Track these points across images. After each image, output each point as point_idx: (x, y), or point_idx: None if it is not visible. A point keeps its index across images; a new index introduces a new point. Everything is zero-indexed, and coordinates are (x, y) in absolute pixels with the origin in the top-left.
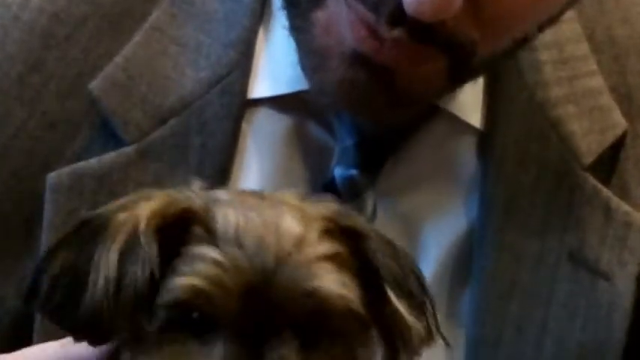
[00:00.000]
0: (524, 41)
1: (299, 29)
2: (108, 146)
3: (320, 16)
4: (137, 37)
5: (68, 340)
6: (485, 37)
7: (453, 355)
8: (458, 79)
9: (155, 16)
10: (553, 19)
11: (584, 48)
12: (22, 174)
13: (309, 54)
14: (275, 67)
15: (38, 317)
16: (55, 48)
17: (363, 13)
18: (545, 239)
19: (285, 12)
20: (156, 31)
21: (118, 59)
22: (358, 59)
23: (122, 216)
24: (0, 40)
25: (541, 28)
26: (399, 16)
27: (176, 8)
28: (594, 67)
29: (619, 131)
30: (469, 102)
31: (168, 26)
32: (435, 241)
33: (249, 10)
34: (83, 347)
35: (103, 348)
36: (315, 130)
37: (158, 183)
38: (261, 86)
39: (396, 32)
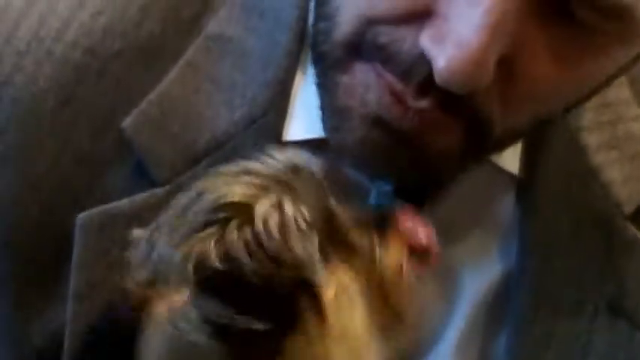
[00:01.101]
0: (547, 120)
1: (323, 87)
2: (139, 185)
3: (345, 79)
4: (171, 74)
5: None
6: (508, 113)
7: None
8: (472, 154)
9: (190, 52)
10: (580, 101)
11: (626, 92)
12: (53, 211)
13: (331, 113)
14: (311, 110)
15: (67, 354)
16: (87, 83)
17: (391, 81)
18: (583, 288)
19: (313, 67)
20: (190, 68)
21: (152, 96)
22: (379, 123)
23: None
24: (33, 75)
25: (568, 109)
26: (428, 86)
27: (212, 45)
28: (638, 111)
29: None
30: (508, 149)
31: (203, 63)
32: (472, 287)
33: (287, 50)
34: None
35: None
36: (351, 173)
37: None
38: (297, 128)
39: (424, 102)
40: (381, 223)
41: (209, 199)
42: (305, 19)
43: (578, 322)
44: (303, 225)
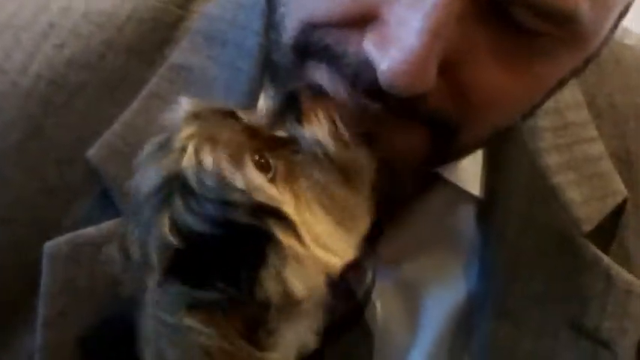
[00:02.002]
0: (506, 129)
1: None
2: (106, 214)
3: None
4: (135, 104)
5: None
6: (468, 119)
7: None
8: (440, 156)
9: (154, 82)
10: (536, 106)
11: (584, 115)
12: (21, 243)
13: None
14: None
15: None
16: (53, 114)
17: (343, 85)
18: (546, 307)
19: (271, 84)
20: (154, 98)
21: (116, 126)
22: None
23: None
24: None
25: (525, 116)
26: (376, 91)
27: (175, 75)
28: (595, 133)
29: (619, 199)
30: (469, 170)
31: (167, 93)
32: (436, 308)
33: (249, 77)
34: None
35: None
36: None
37: None
38: None
39: (376, 106)
40: (292, 108)
41: (150, 180)
42: (267, 47)
43: (541, 341)
44: (229, 159)
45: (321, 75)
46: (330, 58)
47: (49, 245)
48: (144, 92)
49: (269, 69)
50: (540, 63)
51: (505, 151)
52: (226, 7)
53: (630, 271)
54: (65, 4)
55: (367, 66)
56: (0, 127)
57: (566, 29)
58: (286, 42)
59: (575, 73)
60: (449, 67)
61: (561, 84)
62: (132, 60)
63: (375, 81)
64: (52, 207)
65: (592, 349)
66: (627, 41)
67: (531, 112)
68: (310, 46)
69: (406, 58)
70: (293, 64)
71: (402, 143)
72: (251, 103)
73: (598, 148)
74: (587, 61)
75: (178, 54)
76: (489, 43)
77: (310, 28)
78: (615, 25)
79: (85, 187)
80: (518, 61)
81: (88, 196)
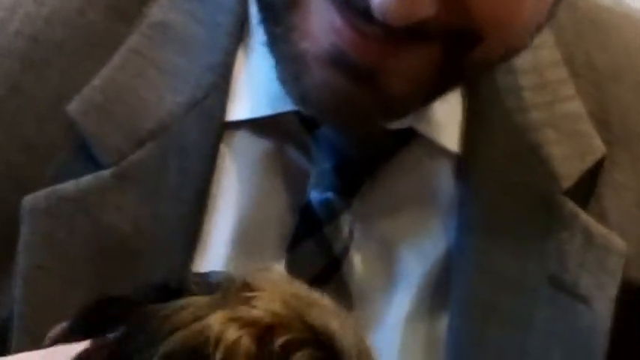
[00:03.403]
0: (517, 49)
1: (277, 39)
2: (86, 169)
3: (296, 17)
4: (115, 60)
5: (49, 352)
6: (481, 36)
7: None
8: (450, 76)
9: (133, 39)
10: (540, 28)
11: (563, 72)
12: (1, 198)
13: (289, 63)
14: (254, 90)
15: (15, 334)
16: (33, 71)
17: (339, 4)
18: (524, 263)
19: (262, 24)
20: (134, 54)
21: (96, 82)
22: (338, 59)
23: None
24: None
25: (532, 33)
26: (371, 16)
27: (154, 31)
28: (573, 91)
29: (598, 156)
30: (446, 126)
31: (146, 49)
32: (414, 265)
33: (228, 33)
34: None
35: None
36: (292, 153)
37: (136, 205)
38: (240, 108)
39: (375, 28)
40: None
41: None
42: (245, 6)
43: (519, 297)
44: None
45: (316, 4)
46: None
47: (27, 199)
48: (123, 49)
49: (262, 11)
50: None
51: (484, 108)
52: None
53: (607, 228)
54: None
55: None
56: None
57: None
58: None
59: None
60: None
61: (556, 4)
62: (111, 17)
63: (369, 8)
64: (32, 162)
65: (570, 304)
66: (604, 1)
67: (537, 31)
68: None
69: None
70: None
71: (409, 67)
72: (229, 58)
73: (577, 106)
74: None
75: (157, 11)
76: None
77: None
78: None
79: (64, 142)
80: None
81: (67, 152)
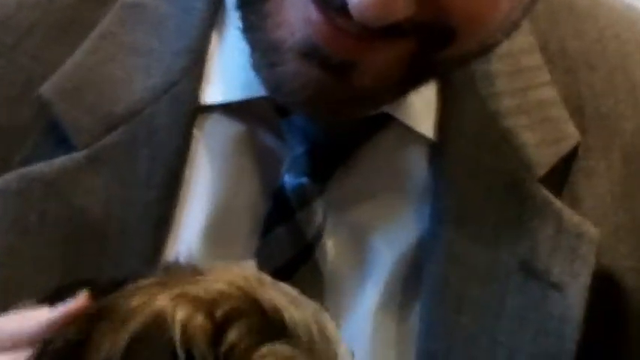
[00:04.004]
0: (491, 47)
1: (252, 26)
2: (57, 151)
3: (272, 5)
4: (87, 43)
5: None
6: (457, 33)
7: None
8: (424, 70)
9: (105, 22)
10: (515, 25)
11: (537, 59)
12: None
13: (263, 51)
14: (227, 74)
15: None
16: (3, 55)
17: (316, 5)
18: (496, 250)
19: (238, 11)
20: (106, 37)
21: (68, 65)
22: (312, 51)
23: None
24: None
25: (508, 31)
26: (348, 13)
27: (127, 13)
28: (547, 78)
29: (571, 143)
30: (420, 111)
31: (118, 32)
32: (386, 252)
33: (202, 16)
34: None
35: None
36: (265, 137)
37: (107, 189)
38: (213, 92)
39: (351, 24)
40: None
41: None
42: None
43: (491, 284)
44: None
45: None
46: None
47: (0, 180)
48: (95, 32)
49: (240, 1)
50: None
51: (458, 94)
52: None
53: (581, 215)
54: None
55: None
56: None
57: None
58: None
59: None
60: None
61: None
62: (83, 1)
63: (345, 5)
64: (3, 145)
65: (542, 291)
66: None
67: (513, 27)
68: None
69: None
70: None
71: (383, 61)
72: (203, 42)
73: (551, 92)
74: None
75: None
76: None
77: None
78: None
79: (36, 124)
80: None
81: (39, 134)
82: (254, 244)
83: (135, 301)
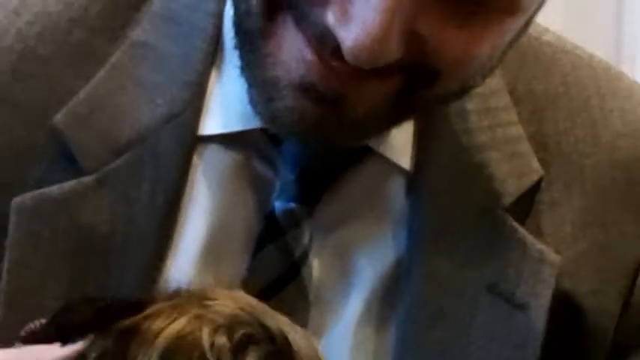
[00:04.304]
0: (470, 88)
1: (251, 64)
2: (67, 174)
3: (270, 46)
4: (99, 76)
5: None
6: (441, 74)
7: None
8: (408, 106)
9: (116, 57)
10: (493, 68)
11: (505, 99)
12: None
13: (261, 87)
14: (224, 107)
15: None
16: (22, 83)
17: (310, 39)
18: (466, 272)
19: (238, 50)
20: (116, 71)
21: (81, 95)
22: (307, 88)
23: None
24: None
25: (485, 74)
26: (341, 54)
27: (135, 50)
28: (515, 117)
29: (535, 177)
30: (399, 145)
31: (127, 66)
32: (367, 271)
33: (203, 53)
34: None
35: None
36: (259, 165)
37: (113, 208)
38: (212, 124)
39: (344, 64)
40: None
41: None
42: (220, 27)
43: (462, 302)
44: None
45: (289, 36)
46: (297, 15)
47: (16, 200)
48: (107, 66)
49: (238, 38)
50: (492, 29)
51: (434, 130)
52: None
53: (543, 242)
54: None
55: (329, 32)
56: None
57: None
58: (254, 5)
59: (517, 38)
60: (415, 36)
61: (507, 49)
62: (96, 37)
63: (338, 47)
64: (18, 167)
65: (508, 310)
66: (545, 38)
67: (490, 71)
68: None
69: (367, 34)
70: (263, 28)
71: (372, 97)
72: (203, 78)
73: (517, 130)
74: (523, 31)
75: (139, 33)
76: (445, 14)
77: None
78: (536, 12)
79: (50, 149)
80: (472, 26)
81: (51, 158)
82: (246, 261)
83: (158, 323)
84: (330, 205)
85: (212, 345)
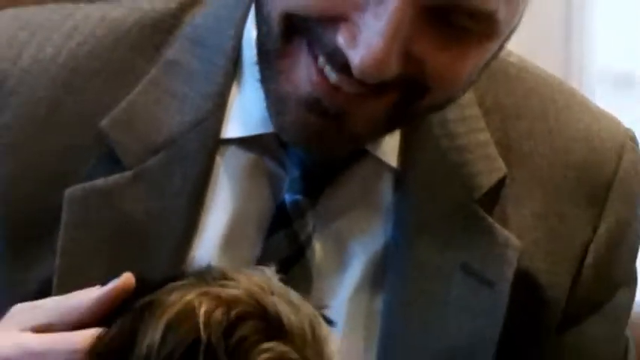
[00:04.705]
0: (453, 100)
1: (267, 79)
2: (111, 170)
3: (284, 64)
4: (138, 88)
5: None
6: (431, 89)
7: (371, 344)
8: (400, 118)
9: (152, 73)
10: (472, 83)
11: (476, 110)
12: (48, 188)
13: (274, 100)
14: (243, 115)
15: (54, 292)
16: (73, 94)
17: (321, 57)
18: (443, 255)
19: (257, 66)
20: (152, 85)
21: (123, 104)
22: (312, 103)
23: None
24: (33, 86)
25: (465, 89)
26: (349, 71)
27: (168, 67)
28: (483, 125)
29: (501, 175)
30: (389, 147)
31: (161, 81)
32: (360, 254)
33: (224, 70)
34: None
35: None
36: (270, 164)
37: (148, 199)
38: (232, 129)
39: (348, 82)
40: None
41: None
42: (239, 49)
43: (440, 280)
44: None
45: (302, 57)
46: (311, 38)
47: (69, 191)
48: (144, 80)
49: (259, 56)
50: (472, 51)
51: (417, 135)
52: (208, 19)
53: (508, 229)
54: (86, 12)
55: (340, 52)
56: (34, 101)
57: (488, 25)
58: (275, 27)
59: (492, 59)
60: (410, 57)
61: (484, 68)
62: (136, 56)
63: (347, 64)
64: (71, 164)
65: (478, 287)
66: (510, 59)
67: (469, 86)
68: (296, 22)
69: (372, 55)
70: (280, 49)
71: (371, 111)
72: (225, 90)
73: (485, 136)
74: (497, 52)
75: (172, 53)
76: (436, 38)
77: (292, 15)
78: (508, 37)
79: (96, 148)
80: (459, 50)
81: (98, 156)
82: (260, 245)
83: (172, 297)
84: (331, 199)
85: (208, 320)
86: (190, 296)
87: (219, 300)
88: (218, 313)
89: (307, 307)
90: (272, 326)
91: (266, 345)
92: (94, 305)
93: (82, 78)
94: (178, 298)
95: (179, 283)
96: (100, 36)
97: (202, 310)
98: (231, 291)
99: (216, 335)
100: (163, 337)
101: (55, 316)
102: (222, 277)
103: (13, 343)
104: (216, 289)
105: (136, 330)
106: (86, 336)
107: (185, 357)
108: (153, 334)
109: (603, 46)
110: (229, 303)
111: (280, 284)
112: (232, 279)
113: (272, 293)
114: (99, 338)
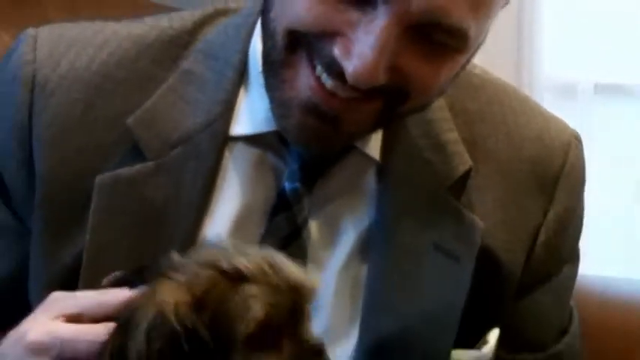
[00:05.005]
0: (429, 104)
1: (272, 86)
2: (136, 162)
3: (287, 74)
4: (158, 93)
5: (103, 292)
6: (412, 96)
7: (356, 309)
8: (385, 119)
9: (170, 81)
10: (444, 91)
11: (446, 113)
12: (82, 176)
13: (278, 105)
14: (249, 117)
15: (84, 266)
16: (104, 97)
17: (317, 69)
18: (418, 235)
19: (263, 74)
20: (170, 91)
21: (146, 106)
22: (312, 108)
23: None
24: (69, 89)
25: (439, 95)
26: (344, 78)
27: (183, 76)
28: (452, 125)
29: (467, 166)
30: (373, 143)
31: (178, 88)
32: (348, 234)
33: (232, 79)
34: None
35: None
36: (272, 158)
37: (166, 187)
38: (239, 128)
39: (342, 88)
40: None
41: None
42: (245, 62)
43: (414, 257)
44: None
45: (302, 67)
46: (310, 50)
47: (99, 178)
48: (163, 87)
49: (266, 68)
50: (448, 62)
51: (397, 133)
52: (219, 35)
53: (473, 213)
54: (115, 28)
55: (336, 62)
56: (70, 102)
57: (462, 41)
58: (280, 41)
59: (461, 70)
60: (396, 67)
61: (454, 78)
62: (156, 67)
63: (342, 72)
64: (101, 156)
65: (447, 262)
66: (475, 71)
67: (443, 92)
68: (299, 37)
69: (364, 66)
70: (284, 59)
71: (360, 115)
72: (233, 96)
73: (454, 135)
74: (466, 64)
75: (187, 64)
76: (418, 52)
77: (295, 31)
78: (475, 52)
79: (122, 144)
80: (436, 62)
81: (124, 150)
82: (264, 226)
83: (144, 302)
84: (324, 187)
85: (176, 309)
86: (181, 277)
87: (184, 285)
88: (182, 298)
89: (260, 252)
90: (232, 277)
91: (236, 297)
92: (122, 304)
93: (111, 84)
94: (147, 301)
95: (184, 260)
96: (126, 49)
97: (170, 304)
98: (188, 273)
99: (189, 317)
100: (147, 343)
101: (86, 308)
102: (174, 265)
103: (45, 329)
104: (180, 276)
105: (125, 343)
106: (110, 329)
107: (172, 350)
108: (137, 345)
109: (549, 58)
110: (191, 283)
111: (231, 246)
112: (182, 264)
113: (233, 256)
114: (100, 354)
